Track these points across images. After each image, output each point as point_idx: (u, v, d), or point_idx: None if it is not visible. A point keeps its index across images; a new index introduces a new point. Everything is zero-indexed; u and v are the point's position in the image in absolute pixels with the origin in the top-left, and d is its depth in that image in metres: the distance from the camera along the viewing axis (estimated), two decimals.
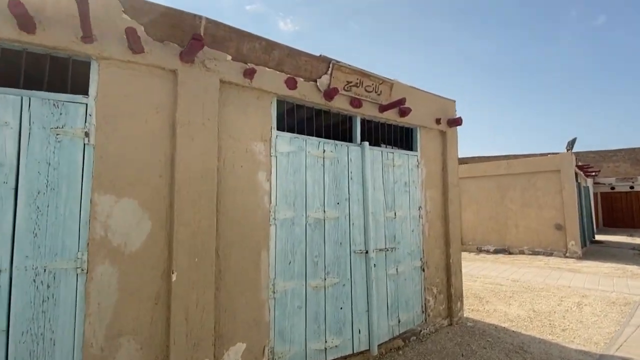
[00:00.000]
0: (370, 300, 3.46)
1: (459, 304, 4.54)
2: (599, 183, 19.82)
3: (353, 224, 3.47)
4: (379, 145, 4.22)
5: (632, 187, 19.01)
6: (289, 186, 3.07)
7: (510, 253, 11.20)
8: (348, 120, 3.79)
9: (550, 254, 10.39)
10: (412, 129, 4.42)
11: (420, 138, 4.41)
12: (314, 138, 3.30)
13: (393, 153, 4.02)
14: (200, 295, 2.45)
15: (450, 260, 4.49)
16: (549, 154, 14.49)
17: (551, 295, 6.00)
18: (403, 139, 4.37)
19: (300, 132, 3.33)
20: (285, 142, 3.09)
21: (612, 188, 19.59)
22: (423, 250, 4.25)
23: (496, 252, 11.50)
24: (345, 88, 3.46)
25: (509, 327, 4.49)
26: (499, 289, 6.55)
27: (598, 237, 15.21)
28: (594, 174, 15.39)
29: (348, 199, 3.47)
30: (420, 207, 4.28)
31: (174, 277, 2.36)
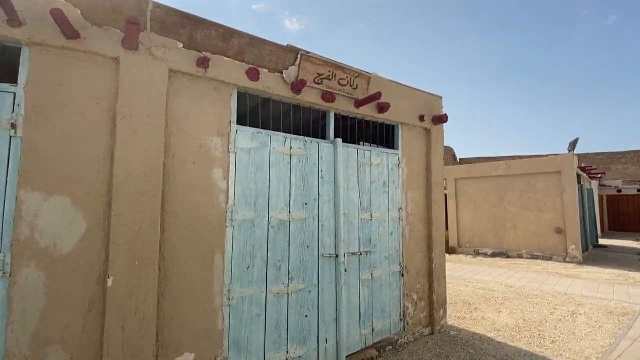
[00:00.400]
0: (339, 308, 3.24)
1: (441, 311, 4.30)
2: (605, 185, 19.31)
3: (322, 226, 3.26)
4: (358, 143, 4.00)
5: (639, 190, 18.48)
6: (249, 185, 2.86)
7: (508, 257, 10.89)
8: (322, 116, 3.58)
9: (550, 259, 10.06)
10: (393, 126, 4.19)
11: (401, 136, 4.17)
12: (280, 134, 3.09)
13: (371, 151, 3.80)
14: (140, 301, 2.26)
15: (433, 265, 4.25)
16: (552, 155, 14.09)
17: (545, 303, 5.72)
18: (383, 136, 4.14)
19: (267, 127, 3.13)
20: (247, 137, 2.89)
21: (619, 191, 19.07)
22: (403, 255, 4.01)
23: (494, 255, 11.19)
24: (316, 81, 3.24)
25: (494, 337, 4.24)
26: (490, 294, 6.28)
27: (602, 242, 14.77)
28: (599, 176, 14.96)
29: (317, 199, 3.26)
30: (400, 209, 4.04)
31: (109, 282, 2.18)
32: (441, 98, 4.63)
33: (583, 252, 10.26)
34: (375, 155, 3.84)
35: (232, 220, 2.74)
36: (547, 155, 14.40)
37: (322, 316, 3.15)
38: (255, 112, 3.12)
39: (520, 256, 10.70)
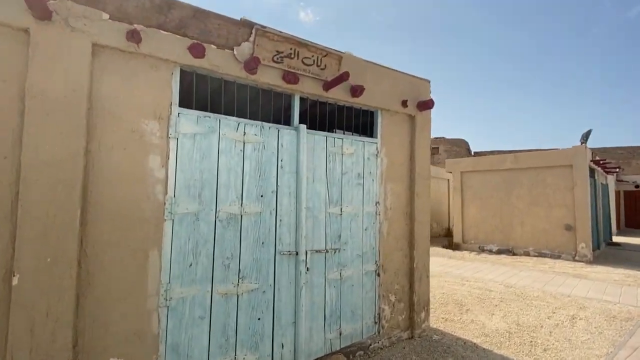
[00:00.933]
0: (298, 310, 2.96)
1: (423, 314, 3.97)
2: (622, 181, 18.32)
3: (281, 220, 2.96)
4: (332, 131, 3.67)
5: None
6: (193, 174, 2.59)
7: (514, 254, 10.38)
8: (286, 100, 3.25)
9: (558, 257, 9.52)
10: (372, 112, 3.83)
11: (381, 123, 3.81)
12: (232, 118, 2.79)
13: (342, 139, 3.46)
14: (53, 302, 2.02)
15: (415, 264, 3.91)
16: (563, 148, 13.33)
17: (544, 306, 5.30)
18: (359, 123, 3.79)
19: (218, 111, 2.83)
20: (191, 121, 2.60)
21: (637, 186, 18.05)
22: (379, 252, 3.69)
23: (499, 252, 10.70)
24: (275, 59, 2.91)
25: (480, 343, 3.89)
26: (486, 295, 5.89)
27: (616, 239, 14.01)
28: (616, 170, 14.12)
29: (276, 191, 2.96)
30: (377, 203, 3.71)
31: (15, 281, 1.95)
32: (428, 82, 4.22)
33: (594, 251, 9.68)
34: (348, 143, 3.50)
35: (172, 214, 2.48)
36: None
37: (278, 319, 2.88)
38: (204, 94, 2.82)
39: (526, 254, 10.19)
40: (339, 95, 3.39)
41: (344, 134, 3.62)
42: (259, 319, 2.79)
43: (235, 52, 2.74)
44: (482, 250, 11.15)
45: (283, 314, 2.91)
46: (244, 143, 2.82)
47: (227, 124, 2.75)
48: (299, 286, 2.97)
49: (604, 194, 12.46)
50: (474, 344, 3.86)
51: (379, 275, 3.67)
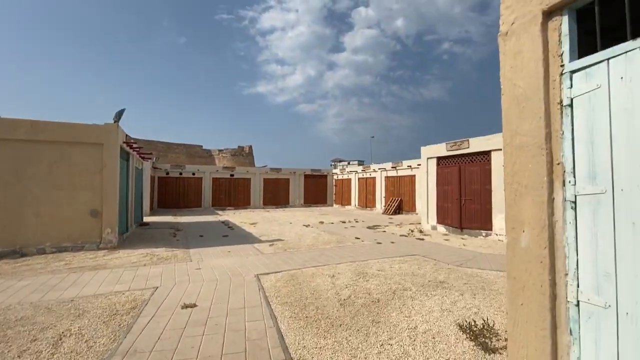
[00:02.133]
0: None
1: None
2: (157, 168, 21.14)
3: None
4: None
5: (181, 173, 22.10)
6: None
7: (23, 255, 7.68)
8: None
9: (82, 248, 8.20)
10: None
11: None
12: None
13: None
14: None
15: None
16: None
17: (26, 345, 3.53)
18: None
19: None
20: None
21: (167, 173, 21.68)
22: None
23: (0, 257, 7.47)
24: None
25: None
26: None
27: (147, 219, 15.50)
28: (151, 157, 15.54)
29: None
30: None
31: None
32: None
33: (122, 234, 9.45)
34: None
35: None
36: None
37: None
38: None
39: (42, 252, 7.88)
40: None
41: None
42: None
43: None
44: None
45: None
46: None
47: None
48: None
49: (138, 178, 13.05)
50: None
51: None
